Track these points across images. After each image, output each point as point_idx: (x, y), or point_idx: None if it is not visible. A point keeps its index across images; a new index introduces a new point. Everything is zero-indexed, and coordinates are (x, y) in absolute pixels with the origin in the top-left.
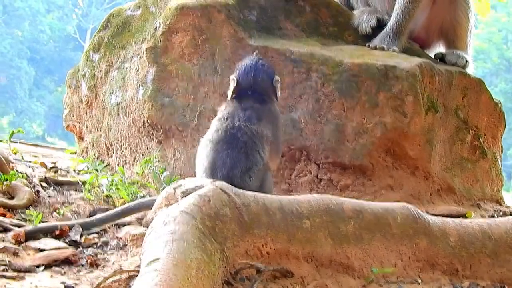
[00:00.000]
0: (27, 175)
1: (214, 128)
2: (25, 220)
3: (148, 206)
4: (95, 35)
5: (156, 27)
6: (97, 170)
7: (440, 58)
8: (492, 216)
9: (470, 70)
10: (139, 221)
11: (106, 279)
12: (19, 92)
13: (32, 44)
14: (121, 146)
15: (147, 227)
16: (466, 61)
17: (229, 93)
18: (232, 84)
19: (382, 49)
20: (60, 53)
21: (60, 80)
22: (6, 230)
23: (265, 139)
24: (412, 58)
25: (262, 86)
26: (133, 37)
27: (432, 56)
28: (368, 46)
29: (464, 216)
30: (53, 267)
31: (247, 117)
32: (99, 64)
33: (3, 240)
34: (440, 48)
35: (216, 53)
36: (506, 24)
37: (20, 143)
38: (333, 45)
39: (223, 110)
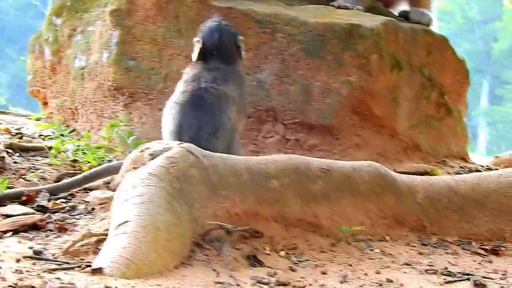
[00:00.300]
0: None
1: (180, 90)
2: None
3: (116, 169)
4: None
5: None
6: (62, 135)
7: (404, 16)
8: (458, 173)
9: (434, 28)
10: (107, 185)
11: (74, 243)
12: None
13: None
14: (86, 110)
15: (115, 191)
16: (430, 18)
17: (194, 55)
18: (197, 46)
19: (347, 8)
20: (22, 22)
21: (22, 49)
22: None
23: (231, 100)
24: (376, 16)
25: (227, 46)
26: (96, 0)
27: (396, 15)
28: (333, 5)
29: (430, 173)
30: (21, 233)
31: (213, 78)
32: (62, 28)
33: None
34: (403, 6)
35: (180, 15)
36: None
37: None
38: (298, 5)
39: (188, 72)
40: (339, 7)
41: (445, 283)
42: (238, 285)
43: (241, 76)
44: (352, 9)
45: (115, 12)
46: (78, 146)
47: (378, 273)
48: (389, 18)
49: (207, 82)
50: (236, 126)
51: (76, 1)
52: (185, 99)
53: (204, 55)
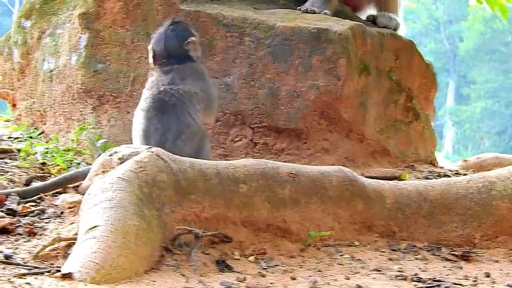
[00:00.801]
0: None
1: (143, 98)
2: None
3: (84, 175)
4: (26, 2)
5: None
6: (31, 137)
7: (372, 20)
8: (427, 178)
9: (402, 31)
10: (76, 188)
11: (44, 247)
12: None
13: None
14: (55, 113)
15: (84, 195)
16: (397, 23)
17: (150, 62)
18: (150, 54)
19: (314, 12)
20: None
21: None
22: None
23: (194, 96)
24: (344, 21)
25: (175, 51)
26: (65, 3)
27: (364, 19)
28: (300, 9)
29: (399, 178)
30: None
31: (170, 79)
32: (31, 30)
33: None
34: (371, 10)
35: (148, 19)
36: None
37: None
38: (266, 9)
39: (149, 79)
40: (307, 11)
41: None
42: None
43: (199, 71)
44: (320, 13)
45: (83, 15)
46: (47, 148)
47: (347, 279)
48: (357, 22)
49: (165, 85)
50: (204, 129)
51: (45, 4)
52: (148, 105)
53: (158, 61)
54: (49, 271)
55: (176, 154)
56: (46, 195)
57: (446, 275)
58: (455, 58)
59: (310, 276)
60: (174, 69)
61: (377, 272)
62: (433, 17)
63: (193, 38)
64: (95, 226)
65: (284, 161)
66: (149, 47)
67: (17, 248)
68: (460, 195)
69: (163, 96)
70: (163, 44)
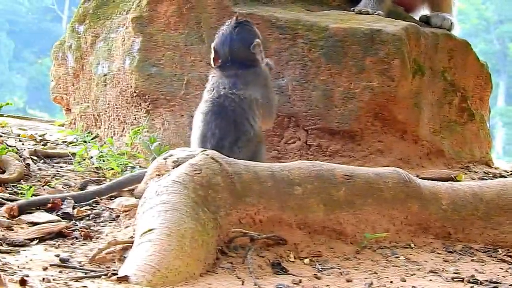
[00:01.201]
0: (17, 149)
1: (203, 100)
2: (16, 194)
3: (139, 178)
4: (79, 7)
5: None
6: (86, 141)
7: (425, 21)
8: (483, 179)
9: (456, 32)
10: (131, 192)
11: (100, 250)
12: None
13: (11, 16)
14: (109, 117)
15: (139, 198)
16: (451, 23)
17: (211, 62)
18: (212, 54)
19: (367, 13)
20: (39, 25)
21: (39, 52)
22: None
23: (254, 103)
24: (397, 21)
25: (240, 55)
26: (118, 8)
27: (417, 19)
28: (353, 10)
29: (454, 179)
30: (47, 240)
31: (231, 84)
32: (84, 35)
33: None
34: (424, 11)
35: (201, 22)
36: None
37: (6, 116)
38: (318, 11)
39: (210, 80)
40: (360, 12)
41: None
42: None
43: (263, 77)
44: (373, 14)
45: (137, 19)
46: (102, 152)
47: (403, 280)
48: (411, 23)
49: (226, 89)
50: (261, 136)
51: (98, 9)
52: (207, 108)
53: (220, 62)
54: (105, 274)
55: None
56: (101, 199)
57: (503, 276)
58: (506, 59)
59: (366, 278)
60: (238, 74)
61: (433, 274)
62: (483, 17)
63: (258, 40)
64: (150, 229)
65: (338, 163)
66: (212, 45)
67: (73, 252)
68: None
69: (223, 101)
70: (228, 47)
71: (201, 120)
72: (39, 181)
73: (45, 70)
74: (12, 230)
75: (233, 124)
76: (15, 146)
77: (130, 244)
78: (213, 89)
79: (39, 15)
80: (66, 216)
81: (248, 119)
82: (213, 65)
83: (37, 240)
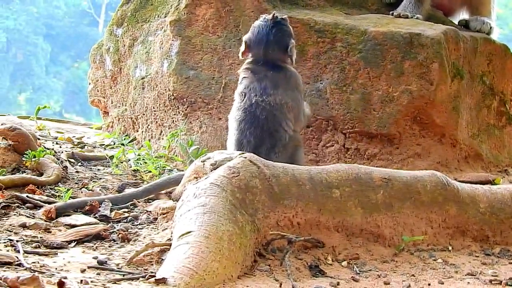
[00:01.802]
0: (54, 151)
1: (236, 105)
2: (54, 196)
3: (177, 181)
4: (117, 10)
5: (179, 0)
6: (123, 144)
7: (464, 25)
8: None
9: (495, 36)
10: (168, 194)
11: (138, 253)
12: (36, 68)
13: (48, 20)
14: (146, 120)
15: (177, 201)
16: (491, 27)
17: (240, 54)
18: (242, 46)
19: (406, 16)
20: (76, 29)
21: (76, 56)
22: (36, 206)
23: (285, 107)
24: (436, 25)
25: (275, 57)
26: (156, 11)
27: (456, 23)
28: (392, 14)
29: (492, 182)
30: (85, 243)
31: (262, 89)
32: (122, 38)
33: (34, 217)
34: (463, 15)
35: (240, 25)
36: None
37: (44, 119)
38: (357, 14)
39: (240, 80)
40: (399, 16)
41: None
42: None
43: (293, 79)
44: (412, 17)
45: (175, 22)
46: (139, 155)
47: (441, 283)
48: (450, 27)
49: (257, 96)
50: (299, 140)
51: (136, 12)
52: (240, 117)
53: (252, 59)
54: (143, 277)
55: None
56: (139, 202)
57: None
58: None
59: (403, 281)
60: (268, 77)
61: (470, 276)
62: None
63: (293, 41)
64: (188, 232)
65: (376, 167)
66: (244, 38)
67: (111, 254)
68: None
69: (255, 109)
70: (263, 47)
71: (235, 128)
72: (76, 183)
73: (82, 74)
74: (50, 232)
75: (268, 132)
76: (52, 149)
77: (168, 247)
78: (245, 95)
79: (76, 19)
80: (104, 219)
81: (282, 124)
82: (240, 57)
83: (75, 242)
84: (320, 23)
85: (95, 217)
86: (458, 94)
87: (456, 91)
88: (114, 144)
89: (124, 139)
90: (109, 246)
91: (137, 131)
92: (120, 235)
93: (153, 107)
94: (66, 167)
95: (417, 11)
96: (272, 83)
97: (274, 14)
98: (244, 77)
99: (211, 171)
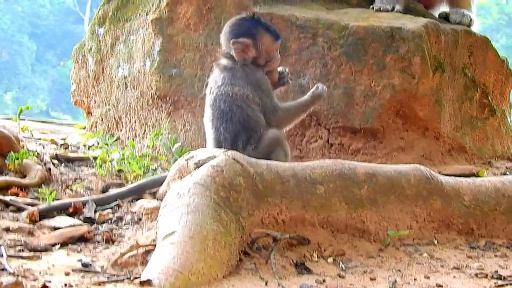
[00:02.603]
0: (38, 153)
1: (206, 103)
2: (38, 198)
3: (161, 181)
4: (99, 9)
5: None
6: (107, 144)
7: (445, 17)
8: (505, 174)
9: (475, 28)
10: (153, 194)
11: (123, 254)
12: (22, 67)
13: (33, 18)
14: (130, 119)
15: (161, 200)
16: (471, 19)
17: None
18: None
19: (387, 10)
20: (61, 27)
21: (62, 54)
22: (19, 209)
23: (246, 98)
24: (417, 18)
25: (224, 48)
26: (138, 9)
27: (437, 16)
28: (373, 8)
29: (476, 174)
30: (69, 245)
31: (221, 81)
32: (104, 38)
33: (17, 220)
34: (443, 7)
35: (221, 22)
36: None
37: (27, 120)
38: (338, 9)
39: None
40: (379, 10)
41: (497, 287)
42: None
43: (250, 76)
44: (392, 11)
45: (156, 21)
46: (123, 155)
47: (427, 278)
48: (430, 19)
49: (218, 86)
50: (277, 137)
51: (118, 11)
52: (211, 115)
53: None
54: (128, 278)
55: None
56: (123, 202)
57: None
58: None
59: (390, 276)
60: (226, 69)
61: (457, 270)
62: (504, 12)
63: (244, 39)
64: (173, 232)
65: (361, 161)
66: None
67: (95, 256)
68: None
69: (219, 102)
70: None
71: (209, 127)
72: (60, 185)
73: (68, 73)
74: (34, 235)
75: (238, 124)
76: (36, 150)
77: (153, 247)
78: (211, 89)
79: (61, 17)
80: (88, 220)
81: (249, 114)
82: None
83: (59, 245)
84: (301, 18)
85: (79, 219)
86: (440, 87)
87: (438, 84)
88: (98, 144)
89: (108, 139)
90: (94, 248)
91: (121, 130)
92: (104, 237)
93: (136, 106)
94: (49, 168)
95: (397, 5)
96: (230, 76)
97: (253, 13)
98: (212, 71)
99: (195, 169)
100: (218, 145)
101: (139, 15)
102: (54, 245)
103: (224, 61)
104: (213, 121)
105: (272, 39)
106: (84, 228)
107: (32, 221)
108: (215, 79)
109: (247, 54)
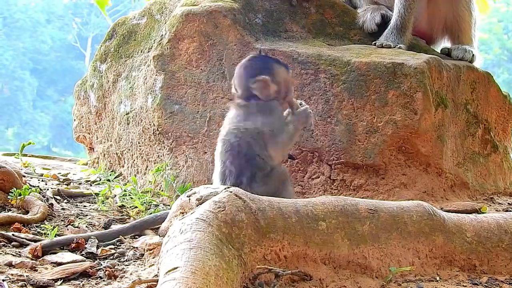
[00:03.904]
0: (40, 189)
1: (218, 137)
2: (40, 234)
3: (163, 218)
4: (101, 46)
5: (162, 35)
6: (109, 180)
7: (447, 53)
8: (507, 210)
9: (477, 63)
10: (155, 230)
11: None
12: (23, 103)
13: (34, 55)
14: (132, 155)
15: (163, 236)
16: (473, 54)
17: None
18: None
19: (389, 46)
20: (62, 63)
21: (63, 90)
22: (22, 245)
23: (257, 133)
24: (419, 54)
25: (242, 88)
26: (140, 46)
27: (439, 52)
28: (375, 44)
29: (479, 211)
30: (72, 281)
31: (236, 117)
32: (106, 74)
33: (20, 255)
34: (445, 43)
35: (223, 58)
36: (505, 14)
37: (29, 156)
38: (340, 45)
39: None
40: (382, 46)
41: None
42: None
43: (264, 108)
44: (394, 47)
45: (158, 57)
46: (125, 191)
47: None
48: (432, 55)
49: (231, 123)
50: (282, 171)
51: (119, 47)
52: (221, 148)
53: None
54: None
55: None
56: (125, 238)
57: None
58: None
59: None
60: (240, 106)
61: None
62: (505, 47)
63: (261, 78)
64: (175, 268)
65: (363, 197)
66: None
67: None
68: None
69: (231, 138)
70: (234, 78)
71: (217, 160)
72: (62, 221)
73: (69, 108)
74: (36, 270)
75: (245, 160)
76: (38, 186)
77: (155, 283)
78: (224, 126)
79: (62, 53)
80: (90, 256)
81: (259, 154)
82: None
83: (62, 281)
84: (303, 54)
85: (82, 255)
86: (443, 123)
87: (440, 120)
88: (100, 180)
89: (110, 175)
90: (96, 284)
91: (123, 166)
92: (106, 272)
93: (138, 142)
94: (52, 204)
95: (399, 41)
96: (243, 112)
97: (260, 51)
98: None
99: (197, 206)
100: (223, 178)
101: (141, 51)
102: (56, 280)
103: (239, 101)
104: (221, 154)
105: (286, 71)
106: (87, 263)
107: (35, 257)
108: (230, 115)
109: (269, 91)
